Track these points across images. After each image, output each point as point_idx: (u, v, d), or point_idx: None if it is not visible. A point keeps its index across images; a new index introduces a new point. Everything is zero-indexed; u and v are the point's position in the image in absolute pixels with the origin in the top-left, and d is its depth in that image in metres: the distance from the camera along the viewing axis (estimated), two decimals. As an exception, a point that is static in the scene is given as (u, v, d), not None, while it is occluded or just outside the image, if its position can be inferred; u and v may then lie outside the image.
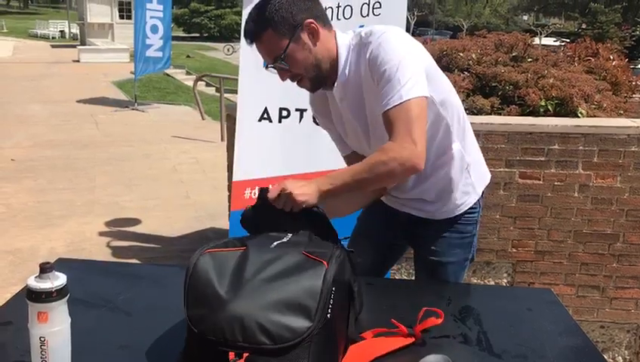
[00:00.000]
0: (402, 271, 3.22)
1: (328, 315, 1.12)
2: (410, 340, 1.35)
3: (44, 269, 1.15)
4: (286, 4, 1.49)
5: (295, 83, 1.60)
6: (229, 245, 1.25)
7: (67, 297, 1.16)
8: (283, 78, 1.59)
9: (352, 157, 1.79)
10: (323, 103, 1.74)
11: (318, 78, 1.58)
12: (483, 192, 1.83)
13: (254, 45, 1.55)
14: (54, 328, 1.15)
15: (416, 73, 1.46)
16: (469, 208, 1.79)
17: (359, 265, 1.38)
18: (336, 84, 1.60)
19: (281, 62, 1.52)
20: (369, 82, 1.53)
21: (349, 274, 1.28)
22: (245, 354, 1.07)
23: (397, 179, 1.57)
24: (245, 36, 1.55)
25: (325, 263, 1.17)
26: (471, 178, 1.76)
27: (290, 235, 1.30)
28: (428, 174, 1.68)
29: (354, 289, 1.30)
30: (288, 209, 1.40)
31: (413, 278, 3.25)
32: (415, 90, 1.43)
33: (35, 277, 1.15)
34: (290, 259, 1.18)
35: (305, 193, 1.40)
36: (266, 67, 1.61)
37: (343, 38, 1.60)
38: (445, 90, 1.64)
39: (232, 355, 1.07)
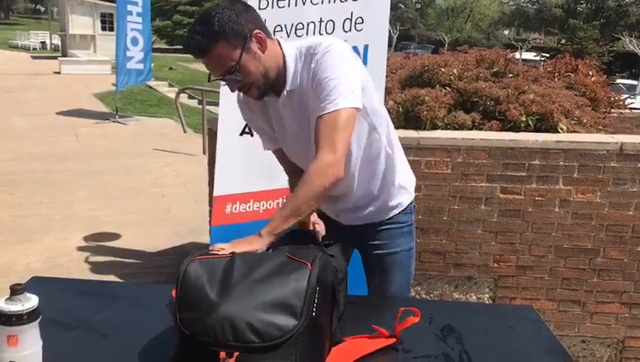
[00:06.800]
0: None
1: (313, 314, 1.19)
2: (392, 341, 1.41)
3: (15, 291, 1.12)
4: (234, 16, 1.51)
5: (242, 93, 1.64)
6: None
7: (39, 320, 1.13)
8: (233, 89, 1.61)
9: (280, 152, 1.87)
10: (260, 106, 1.75)
11: (266, 86, 1.61)
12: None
13: (203, 60, 1.55)
14: (25, 352, 1.12)
15: (352, 85, 1.56)
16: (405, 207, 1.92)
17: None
18: (284, 92, 1.63)
19: (234, 73, 1.53)
20: (311, 91, 1.61)
21: (331, 275, 1.34)
22: (236, 353, 1.13)
23: (328, 191, 1.56)
24: (194, 51, 1.53)
25: (309, 264, 1.24)
26: (401, 180, 1.89)
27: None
28: (363, 181, 1.81)
29: (337, 289, 1.36)
30: None
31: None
32: (349, 100, 1.54)
33: (6, 299, 1.12)
34: (274, 262, 1.25)
35: (259, 246, 1.41)
36: (210, 80, 1.62)
37: (289, 48, 1.64)
38: (376, 102, 1.78)
39: (222, 354, 1.13)
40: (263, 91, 1.62)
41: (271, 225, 1.45)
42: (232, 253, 1.29)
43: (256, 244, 1.40)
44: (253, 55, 1.54)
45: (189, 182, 6.56)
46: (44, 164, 7.25)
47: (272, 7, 2.76)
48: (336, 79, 1.54)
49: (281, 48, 1.63)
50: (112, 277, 4.01)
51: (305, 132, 1.68)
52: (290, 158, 1.85)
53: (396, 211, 1.89)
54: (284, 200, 1.66)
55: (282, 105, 1.67)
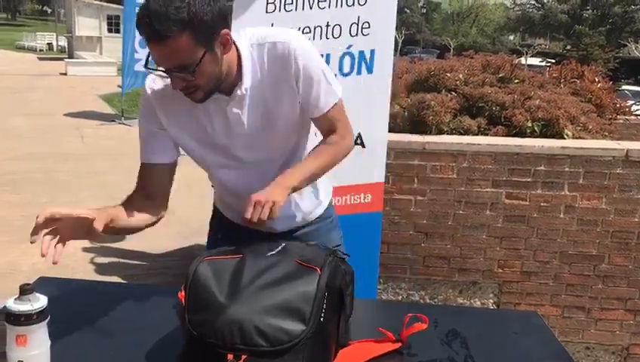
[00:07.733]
0: (389, 291, 3.21)
1: (321, 319, 1.19)
2: (398, 345, 1.41)
3: (24, 291, 1.13)
4: (206, 7, 1.26)
5: (183, 93, 1.38)
6: (227, 253, 1.31)
7: (47, 320, 1.14)
8: (176, 88, 1.35)
9: (155, 169, 1.73)
10: (188, 105, 1.46)
11: (214, 90, 1.41)
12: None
13: (154, 46, 1.27)
14: (33, 352, 1.12)
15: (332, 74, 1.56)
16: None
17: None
18: (240, 92, 1.44)
19: (187, 73, 1.31)
20: (282, 88, 1.46)
21: (340, 279, 1.33)
22: (244, 356, 1.12)
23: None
24: (149, 33, 1.25)
25: (318, 270, 1.23)
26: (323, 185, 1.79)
27: (284, 244, 1.36)
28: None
29: (345, 293, 1.35)
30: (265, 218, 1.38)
31: (399, 298, 3.25)
32: (339, 89, 1.55)
33: (15, 298, 1.13)
34: (284, 267, 1.24)
35: (281, 197, 1.41)
36: (147, 67, 1.36)
37: (243, 47, 1.43)
38: None
39: (230, 356, 1.12)
40: (208, 95, 1.41)
41: (297, 177, 1.48)
42: (242, 254, 1.29)
43: (280, 192, 1.41)
44: (214, 57, 1.33)
45: (193, 184, 6.50)
46: (48, 164, 7.27)
47: (280, 10, 2.77)
48: (322, 72, 1.49)
49: (236, 48, 1.41)
50: (116, 278, 4.03)
51: (261, 133, 1.52)
52: (216, 171, 1.69)
53: (326, 204, 1.79)
54: (308, 158, 1.57)
55: (235, 106, 1.46)
